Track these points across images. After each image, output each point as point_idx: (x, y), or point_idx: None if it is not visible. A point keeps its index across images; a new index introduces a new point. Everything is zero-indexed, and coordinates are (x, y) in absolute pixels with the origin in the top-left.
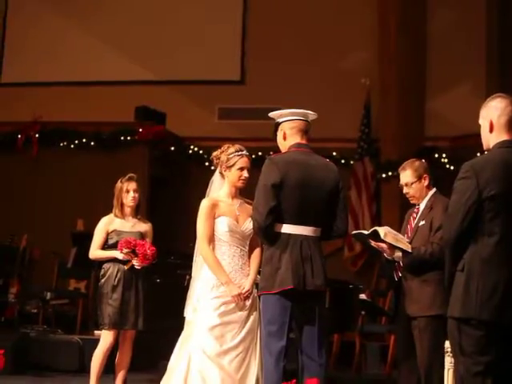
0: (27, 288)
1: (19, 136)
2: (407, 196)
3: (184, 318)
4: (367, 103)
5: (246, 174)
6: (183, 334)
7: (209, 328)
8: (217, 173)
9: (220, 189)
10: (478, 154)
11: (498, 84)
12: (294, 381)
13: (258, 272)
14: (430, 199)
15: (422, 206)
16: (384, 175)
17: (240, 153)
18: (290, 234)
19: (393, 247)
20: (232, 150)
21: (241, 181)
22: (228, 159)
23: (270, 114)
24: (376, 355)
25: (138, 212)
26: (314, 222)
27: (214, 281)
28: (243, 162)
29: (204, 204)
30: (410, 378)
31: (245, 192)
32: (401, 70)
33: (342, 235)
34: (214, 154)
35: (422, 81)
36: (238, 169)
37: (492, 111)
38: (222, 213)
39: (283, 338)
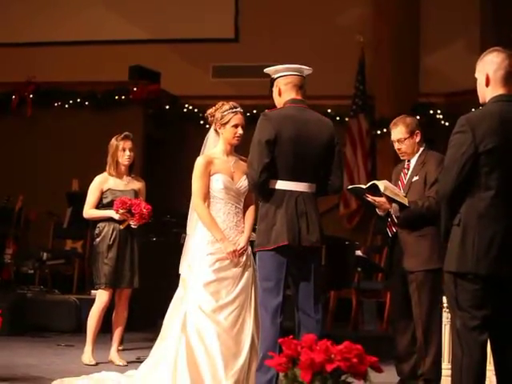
0: (23, 249)
1: (13, 97)
2: (399, 152)
3: (179, 275)
4: (362, 60)
5: (240, 131)
6: (178, 291)
7: (204, 284)
8: (211, 130)
9: (215, 146)
10: (473, 110)
11: (492, 39)
12: (291, 336)
13: (253, 229)
14: (421, 155)
15: (413, 161)
16: (379, 132)
17: (234, 110)
18: (284, 190)
19: (390, 201)
20: (226, 107)
21: (235, 138)
22: (222, 116)
23: (266, 70)
24: (372, 312)
25: (132, 170)
26: (309, 178)
27: (209, 238)
28: (237, 119)
29: (199, 161)
30: (406, 334)
31: (240, 149)
32: (395, 27)
33: (338, 191)
34: (209, 111)
35: (417, 37)
36: (233, 126)
37: (488, 65)
38: (217, 170)
39: (279, 294)
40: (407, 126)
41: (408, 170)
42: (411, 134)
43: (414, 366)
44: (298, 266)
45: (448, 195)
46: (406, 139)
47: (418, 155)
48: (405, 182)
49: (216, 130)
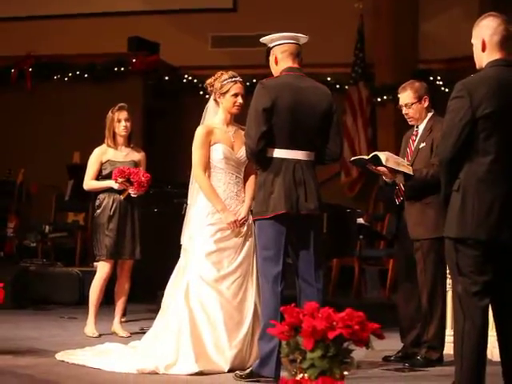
0: (25, 222)
1: (13, 70)
2: (406, 117)
3: (181, 245)
4: (360, 28)
5: (240, 99)
6: (180, 261)
7: (206, 254)
8: (211, 100)
9: (215, 116)
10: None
11: (491, 4)
12: (294, 304)
13: (254, 198)
14: (428, 121)
15: (421, 128)
16: (379, 99)
17: (233, 79)
18: (282, 159)
19: (394, 172)
20: (225, 76)
21: (235, 107)
22: (222, 86)
23: (262, 40)
24: (375, 279)
25: (131, 141)
26: (307, 146)
27: (210, 208)
28: (237, 87)
29: (199, 131)
30: (411, 301)
31: (239, 118)
32: None
33: (337, 159)
34: (208, 81)
35: (416, 3)
36: (232, 95)
37: (484, 30)
38: (218, 140)
39: (279, 262)
40: (415, 91)
41: (416, 136)
42: (419, 99)
43: (418, 333)
44: (297, 234)
45: (447, 161)
46: (413, 104)
47: (425, 121)
48: (413, 149)
49: (216, 100)
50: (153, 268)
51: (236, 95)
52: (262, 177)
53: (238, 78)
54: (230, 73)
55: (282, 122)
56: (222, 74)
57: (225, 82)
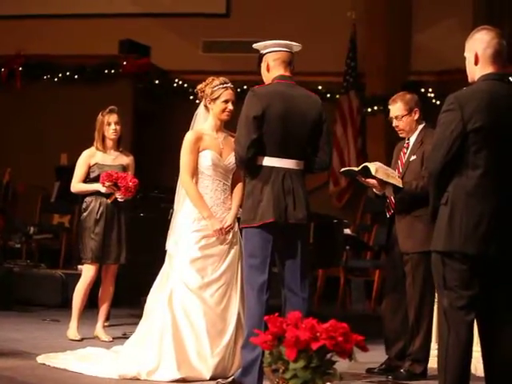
0: (11, 223)
1: (2, 69)
2: (396, 129)
3: (165, 251)
4: (353, 37)
5: (230, 106)
6: (164, 266)
7: (190, 261)
8: (201, 106)
9: (204, 122)
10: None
11: (484, 17)
12: (277, 314)
13: (241, 206)
14: (419, 133)
15: (412, 140)
16: (370, 109)
17: (224, 85)
18: (272, 167)
19: (383, 183)
20: (216, 82)
21: (225, 113)
22: (212, 92)
23: (254, 46)
24: (361, 290)
25: (120, 145)
26: (296, 155)
27: (196, 214)
28: (228, 94)
29: (188, 137)
30: (397, 314)
31: (229, 125)
32: (387, 3)
33: (326, 168)
34: (199, 86)
35: (409, 13)
36: (223, 101)
37: (477, 43)
38: (206, 146)
39: (265, 271)
40: (406, 103)
41: (407, 148)
42: (410, 111)
43: (404, 346)
44: (284, 243)
45: (436, 174)
46: (403, 116)
47: (416, 133)
48: (403, 161)
49: (206, 106)
50: (137, 273)
51: (226, 101)
52: (251, 185)
53: (229, 85)
54: (222, 79)
55: (273, 130)
56: (213, 79)
57: (216, 88)
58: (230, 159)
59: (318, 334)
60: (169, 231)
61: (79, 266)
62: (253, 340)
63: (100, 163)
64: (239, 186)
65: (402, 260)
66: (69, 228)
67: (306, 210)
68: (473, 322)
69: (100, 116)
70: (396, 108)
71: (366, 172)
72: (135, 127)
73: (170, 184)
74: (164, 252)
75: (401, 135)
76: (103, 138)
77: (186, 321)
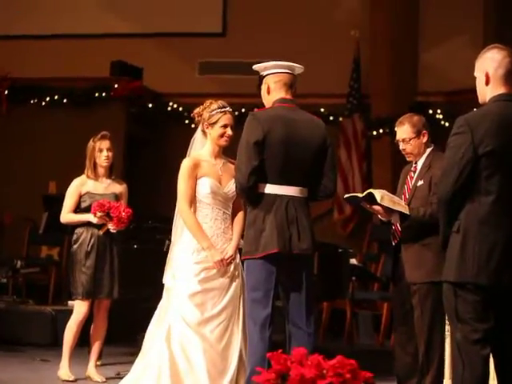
0: None
1: None
2: (403, 153)
3: (163, 285)
4: (357, 56)
5: (229, 131)
6: (162, 301)
7: (189, 295)
8: (199, 131)
9: (202, 148)
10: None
11: (495, 35)
12: (280, 350)
13: (242, 236)
14: (427, 157)
15: (420, 164)
16: (375, 133)
17: (223, 109)
18: (274, 195)
19: (389, 211)
20: (214, 106)
21: (224, 139)
22: (210, 116)
23: (254, 67)
24: (368, 324)
25: (112, 172)
26: (300, 182)
27: (195, 245)
28: (226, 118)
29: (185, 164)
30: (407, 349)
31: (228, 150)
32: (392, 21)
33: (331, 195)
34: (196, 110)
35: (415, 31)
36: (221, 126)
37: (488, 63)
38: (205, 173)
39: (268, 305)
40: (414, 126)
41: (414, 172)
42: (418, 133)
43: (416, 383)
44: (288, 275)
45: (446, 200)
46: (411, 139)
47: (424, 157)
48: (410, 186)
49: (203, 131)
50: (132, 308)
51: (225, 126)
52: (253, 214)
53: (227, 108)
54: (220, 102)
55: (274, 156)
56: (211, 103)
57: (214, 112)
58: (230, 187)
59: (325, 372)
60: (166, 264)
61: (70, 302)
62: (255, 379)
63: (91, 192)
64: (240, 215)
65: (409, 291)
66: (58, 261)
67: (311, 240)
68: (488, 357)
69: (91, 142)
70: (403, 130)
71: (371, 199)
72: (128, 153)
73: (165, 213)
74: (160, 286)
75: (408, 159)
76: (94, 166)
77: (185, 360)
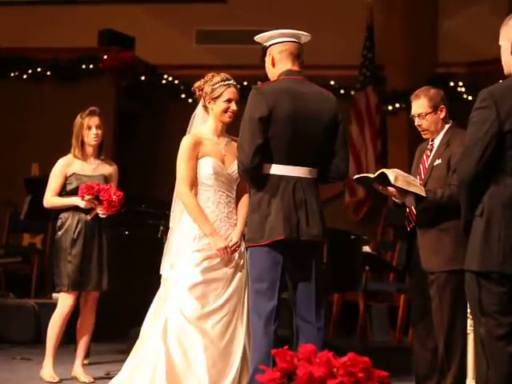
0: None
1: None
2: (419, 129)
3: (160, 275)
4: (370, 24)
5: (233, 106)
6: (159, 293)
7: (189, 286)
8: (200, 106)
9: (203, 124)
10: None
11: None
12: (287, 346)
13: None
14: (445, 134)
15: (437, 141)
16: (390, 107)
17: (227, 82)
18: (280, 176)
19: (404, 192)
20: (217, 79)
21: (228, 114)
22: (213, 90)
23: (256, 38)
24: (383, 318)
25: (102, 152)
26: (308, 162)
27: (196, 231)
28: (230, 92)
29: (185, 142)
30: (427, 346)
31: (232, 129)
32: None
33: (343, 177)
34: (197, 84)
35: None
36: (225, 101)
37: None
38: (207, 152)
39: (274, 297)
40: (430, 99)
41: (431, 151)
42: (435, 108)
43: (438, 382)
44: (296, 264)
45: (468, 181)
46: (427, 114)
47: (442, 134)
48: (426, 166)
49: (205, 106)
50: (122, 301)
51: (229, 101)
52: (257, 197)
53: (231, 82)
54: (223, 75)
55: (281, 133)
56: (213, 75)
57: (216, 86)
58: (234, 167)
59: (335, 370)
60: (164, 252)
61: (54, 295)
62: (258, 378)
63: (78, 173)
64: (245, 199)
65: (426, 281)
66: (41, 250)
67: (321, 226)
68: None
69: (78, 119)
70: (419, 104)
71: (384, 179)
72: (119, 131)
73: (160, 197)
74: (154, 276)
75: (424, 136)
76: (82, 145)
77: (183, 357)
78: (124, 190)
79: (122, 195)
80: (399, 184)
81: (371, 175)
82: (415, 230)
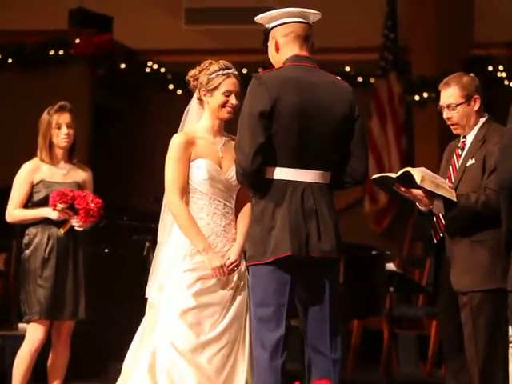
0: None
1: None
2: (448, 123)
3: (145, 299)
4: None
5: (233, 100)
6: (144, 322)
7: (180, 313)
8: (194, 99)
9: (198, 121)
10: None
11: None
12: (297, 383)
13: None
14: (480, 129)
15: (470, 138)
16: (417, 97)
17: (226, 71)
18: (287, 181)
19: (431, 196)
20: (215, 67)
21: (226, 109)
22: (209, 80)
23: (257, 18)
24: (411, 348)
25: (74, 155)
26: (320, 164)
27: (188, 247)
28: (230, 83)
29: (176, 141)
30: (460, 377)
31: (231, 127)
32: None
33: (361, 181)
34: (192, 72)
35: None
36: (223, 93)
37: None
38: (200, 154)
39: (281, 325)
40: (462, 88)
41: (463, 149)
42: (467, 98)
43: None
44: (306, 285)
45: (509, 185)
46: (459, 105)
47: (476, 129)
48: (457, 167)
49: (200, 99)
50: (102, 332)
51: (228, 93)
52: (259, 207)
53: (232, 71)
54: (222, 63)
55: (286, 130)
56: (210, 63)
57: (214, 75)
58: (233, 172)
59: None
60: (150, 272)
61: (21, 325)
62: None
63: (47, 180)
64: (246, 209)
65: (458, 303)
66: (5, 271)
67: (334, 240)
68: None
69: (46, 115)
70: (449, 94)
71: (408, 180)
72: (95, 130)
73: (144, 208)
74: (140, 301)
75: (454, 131)
76: (50, 146)
77: None
78: (103, 201)
79: (102, 203)
80: (426, 185)
81: (393, 175)
82: (444, 242)
